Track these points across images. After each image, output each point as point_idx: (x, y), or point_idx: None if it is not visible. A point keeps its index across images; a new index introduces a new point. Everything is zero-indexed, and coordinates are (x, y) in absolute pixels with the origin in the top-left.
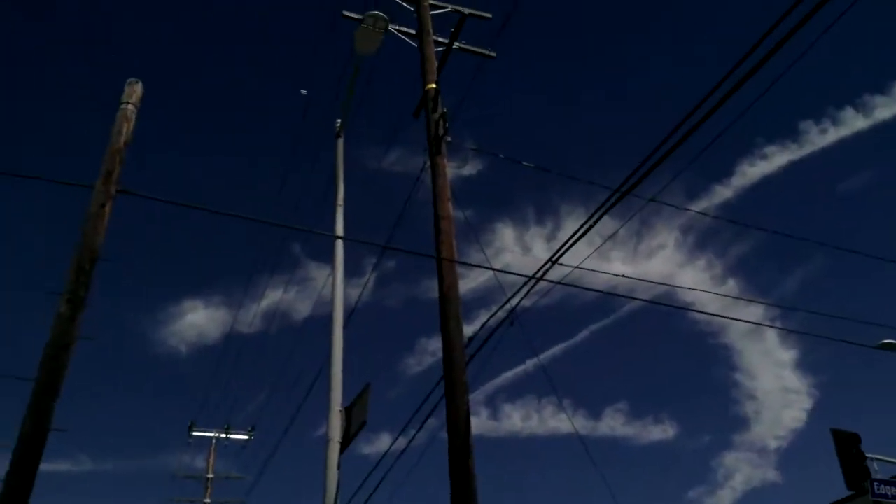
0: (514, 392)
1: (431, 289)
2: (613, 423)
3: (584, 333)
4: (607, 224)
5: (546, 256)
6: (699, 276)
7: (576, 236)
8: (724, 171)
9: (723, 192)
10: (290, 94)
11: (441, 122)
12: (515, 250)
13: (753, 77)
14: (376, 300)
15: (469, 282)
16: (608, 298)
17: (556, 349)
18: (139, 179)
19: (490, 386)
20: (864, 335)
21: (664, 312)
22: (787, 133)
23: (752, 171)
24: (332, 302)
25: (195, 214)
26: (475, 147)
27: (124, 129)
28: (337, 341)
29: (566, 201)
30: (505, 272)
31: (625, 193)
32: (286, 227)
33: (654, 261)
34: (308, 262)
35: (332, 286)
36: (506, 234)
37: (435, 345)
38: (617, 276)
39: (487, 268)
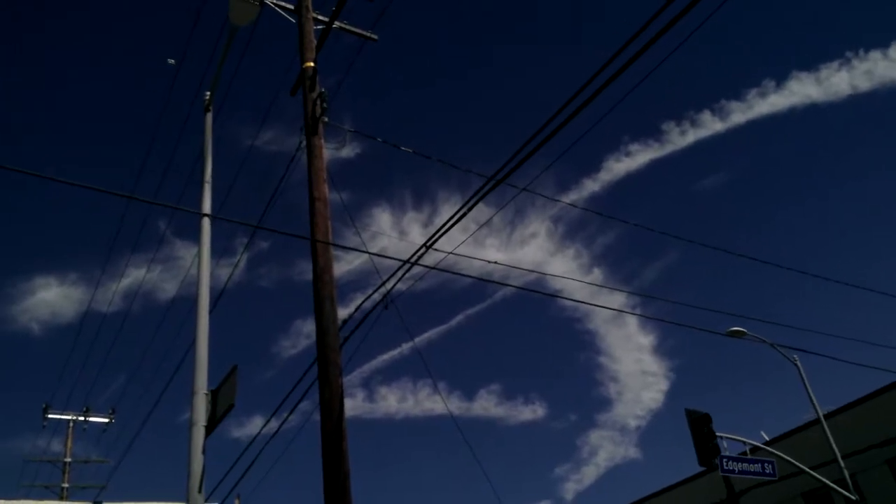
0: (391, 374)
1: (306, 271)
2: (487, 405)
3: (459, 318)
4: (483, 211)
5: (421, 241)
6: (568, 265)
7: (450, 222)
8: (593, 166)
9: (591, 186)
10: (160, 63)
11: (319, 102)
12: (392, 235)
13: (621, 76)
14: (249, 280)
15: (345, 264)
16: (483, 284)
17: (431, 333)
18: None
19: (366, 368)
20: (714, 322)
21: (535, 299)
22: (651, 132)
23: (618, 166)
24: (197, 282)
25: (49, 184)
26: (353, 129)
27: None
28: (202, 322)
29: (443, 188)
30: (380, 255)
31: (498, 182)
32: (149, 203)
33: (526, 248)
34: (174, 240)
35: (199, 265)
36: (383, 218)
37: (309, 327)
38: (490, 262)
39: (363, 251)
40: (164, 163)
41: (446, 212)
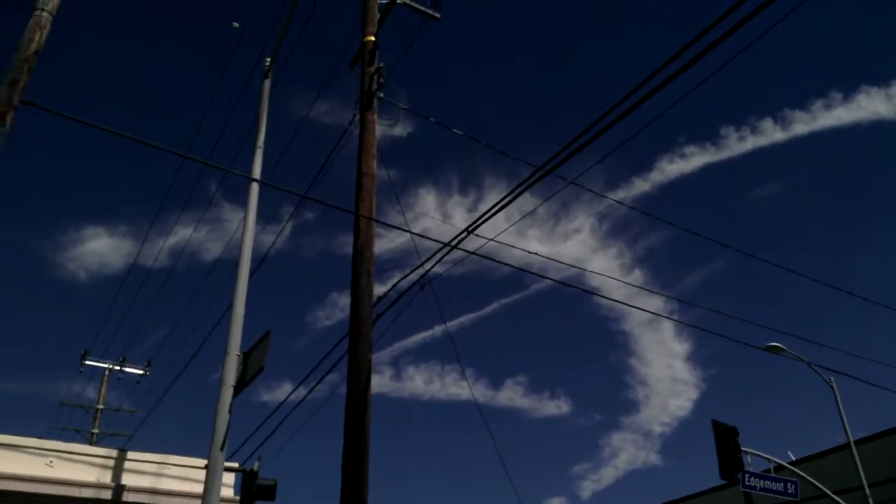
0: (420, 355)
1: (347, 244)
2: (512, 395)
3: (494, 306)
4: (528, 201)
5: (463, 225)
6: (609, 263)
7: (494, 209)
8: (645, 166)
9: (641, 186)
10: (223, 27)
11: (376, 77)
12: (435, 217)
13: (680, 77)
14: (293, 249)
15: (386, 242)
16: (521, 275)
17: (465, 318)
18: (48, 93)
19: (397, 347)
20: (752, 336)
21: (571, 294)
22: (708, 136)
23: (671, 168)
24: (240, 245)
25: (106, 137)
26: (407, 107)
27: (36, 38)
28: (241, 285)
29: (491, 174)
30: (422, 236)
31: (546, 173)
32: (201, 163)
33: (569, 243)
34: (223, 203)
35: (243, 229)
36: (428, 199)
37: (345, 300)
38: (530, 252)
39: (405, 230)
40: (221, 126)
41: (491, 198)
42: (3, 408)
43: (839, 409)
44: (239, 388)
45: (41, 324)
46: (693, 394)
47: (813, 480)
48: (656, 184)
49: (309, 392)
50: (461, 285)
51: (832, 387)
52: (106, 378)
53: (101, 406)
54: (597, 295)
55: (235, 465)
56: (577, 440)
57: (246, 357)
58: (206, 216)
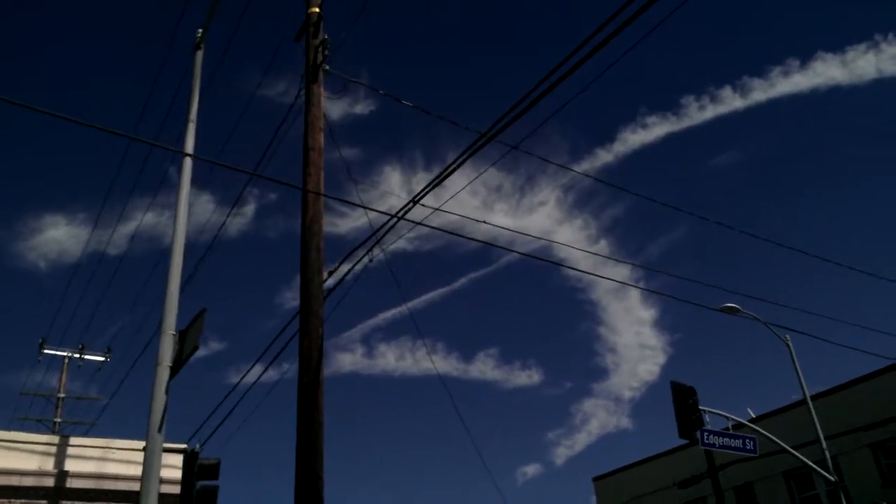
0: (391, 332)
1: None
2: (484, 367)
3: (463, 280)
4: (494, 175)
5: (431, 203)
6: (575, 234)
7: (438, 179)
8: (608, 137)
9: (604, 157)
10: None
11: (321, 50)
12: (400, 195)
13: (621, 36)
14: (257, 230)
15: (350, 221)
16: (489, 248)
17: (434, 293)
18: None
19: (367, 325)
20: (717, 300)
21: (539, 266)
22: (669, 106)
23: (633, 138)
24: (174, 220)
25: (51, 121)
26: (353, 79)
27: None
28: (176, 262)
29: (454, 149)
30: (369, 209)
31: (489, 139)
32: (131, 139)
33: (534, 216)
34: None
35: (176, 204)
36: (393, 176)
37: (336, 285)
38: (479, 221)
39: (354, 203)
40: (166, 104)
41: (456, 173)
42: None
43: (795, 366)
44: (175, 368)
45: (1, 314)
46: (660, 358)
47: (771, 436)
48: (619, 154)
49: (263, 371)
50: (429, 261)
51: (788, 345)
52: (66, 366)
53: (62, 395)
54: (564, 266)
55: (177, 445)
56: (549, 408)
57: (182, 336)
58: (164, 200)
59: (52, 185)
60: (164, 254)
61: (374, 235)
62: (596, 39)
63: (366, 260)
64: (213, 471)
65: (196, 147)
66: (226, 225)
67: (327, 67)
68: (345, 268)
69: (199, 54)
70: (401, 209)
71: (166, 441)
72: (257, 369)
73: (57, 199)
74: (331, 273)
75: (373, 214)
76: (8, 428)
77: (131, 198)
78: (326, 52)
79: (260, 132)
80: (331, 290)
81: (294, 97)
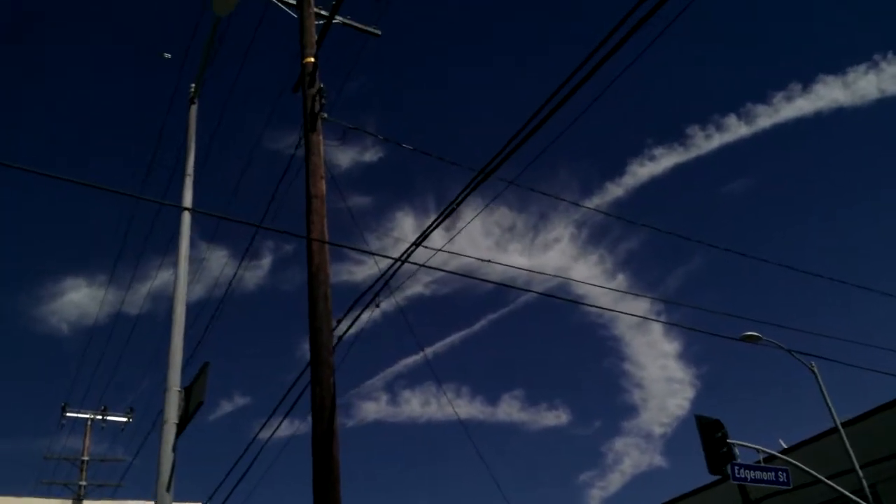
0: (414, 379)
1: (333, 273)
2: (510, 409)
3: (482, 322)
4: (506, 215)
5: (440, 245)
6: (591, 270)
7: (439, 220)
8: (617, 170)
9: (615, 190)
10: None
11: (317, 98)
12: (408, 241)
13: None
14: (273, 285)
15: (367, 269)
16: (505, 289)
17: (454, 337)
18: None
19: (389, 373)
20: (737, 328)
21: (558, 304)
22: (675, 136)
23: (642, 171)
24: (175, 276)
25: (69, 187)
26: (352, 126)
27: None
28: (178, 317)
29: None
30: (373, 254)
31: (487, 175)
32: (131, 196)
33: (549, 253)
34: (199, 243)
35: (177, 259)
36: (406, 222)
37: (345, 332)
38: (483, 260)
39: (356, 248)
40: (171, 161)
41: (467, 213)
42: None
43: (823, 393)
44: (182, 425)
45: (24, 379)
46: (689, 392)
47: (804, 467)
48: (629, 187)
49: (278, 426)
50: (447, 305)
51: (814, 371)
52: (89, 428)
53: (86, 458)
54: (583, 304)
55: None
56: (579, 449)
57: (188, 392)
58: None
59: (70, 248)
60: (187, 310)
61: (380, 280)
62: (587, 67)
63: (373, 306)
64: None
65: (203, 202)
66: (241, 279)
67: (325, 115)
68: (355, 315)
69: (194, 108)
70: (404, 252)
71: (181, 500)
72: (275, 423)
73: (76, 262)
74: (339, 321)
75: (381, 260)
76: (33, 494)
77: (147, 257)
78: (323, 101)
79: (265, 184)
80: (340, 338)
81: (295, 147)
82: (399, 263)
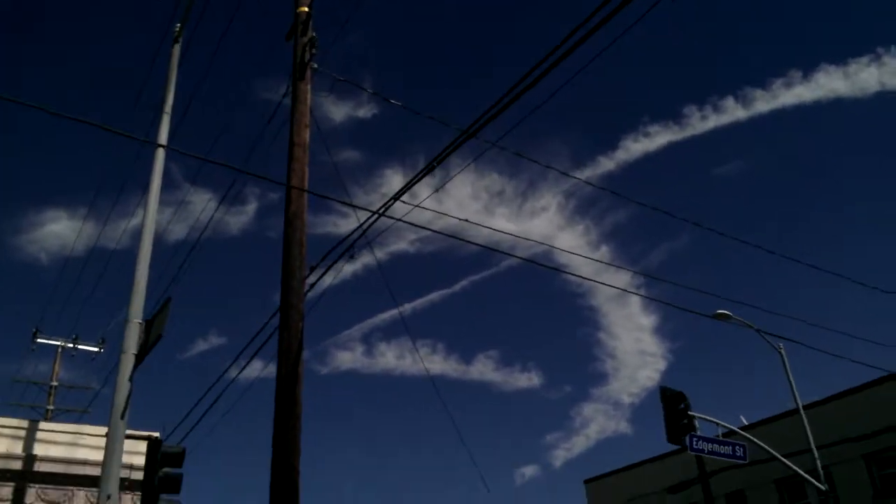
0: (391, 333)
1: (318, 224)
2: (484, 369)
3: (463, 283)
4: (496, 181)
5: (431, 205)
6: (576, 240)
7: (418, 177)
8: (610, 145)
9: (606, 164)
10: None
11: (308, 48)
12: (405, 200)
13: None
14: (258, 230)
15: (353, 223)
16: (490, 252)
17: (435, 295)
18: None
19: (367, 324)
20: (714, 307)
21: (540, 271)
22: (671, 115)
23: (635, 146)
24: (144, 210)
25: (58, 121)
26: (341, 77)
27: None
28: (144, 251)
29: (457, 152)
30: (351, 205)
31: (469, 136)
32: (107, 130)
33: (536, 221)
34: (184, 185)
35: (148, 195)
36: (395, 179)
37: (316, 280)
38: (461, 219)
39: (333, 199)
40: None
41: (458, 176)
42: None
43: (788, 375)
44: (140, 355)
45: (1, 305)
46: (660, 364)
47: (761, 444)
48: (621, 162)
49: (245, 365)
50: (430, 263)
51: (781, 353)
52: (59, 355)
53: (54, 383)
54: (565, 272)
55: (140, 433)
56: (548, 411)
57: (148, 325)
58: (165, 198)
59: (54, 181)
60: (165, 249)
61: (356, 230)
62: (577, 35)
63: (347, 257)
64: (177, 459)
65: (190, 145)
66: (226, 224)
67: (315, 66)
68: (329, 264)
69: (177, 48)
70: (381, 206)
71: (139, 429)
72: (243, 364)
73: (60, 194)
74: (313, 269)
75: (361, 212)
76: (1, 414)
77: (129, 193)
78: (314, 51)
79: (252, 131)
80: (313, 286)
81: (283, 95)
82: (376, 216)
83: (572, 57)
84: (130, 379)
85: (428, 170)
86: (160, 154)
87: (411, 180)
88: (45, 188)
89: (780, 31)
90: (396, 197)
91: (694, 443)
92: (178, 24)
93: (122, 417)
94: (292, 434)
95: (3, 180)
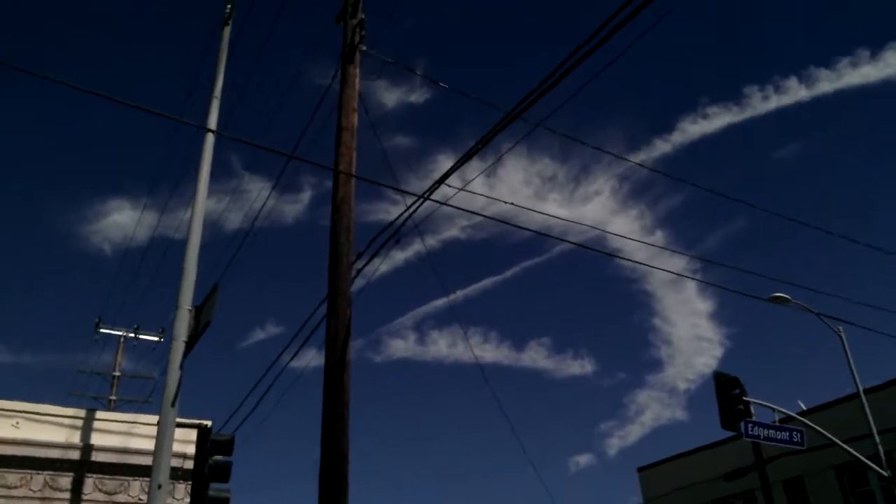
0: (443, 320)
1: (369, 211)
2: (536, 356)
3: (515, 269)
4: (547, 165)
5: (481, 191)
6: (630, 225)
7: (462, 161)
8: (667, 127)
9: (662, 147)
10: None
11: (357, 30)
12: (453, 185)
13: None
14: (312, 219)
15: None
16: (542, 238)
17: (486, 282)
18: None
19: (419, 312)
20: (772, 290)
21: (593, 256)
22: (731, 96)
23: (693, 128)
24: (194, 196)
25: (97, 103)
26: (390, 60)
27: None
28: (194, 237)
29: (509, 137)
30: (397, 189)
31: (514, 117)
32: (154, 113)
33: (589, 206)
34: (241, 173)
35: (197, 181)
36: (446, 165)
37: (369, 268)
38: (507, 203)
39: (381, 184)
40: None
41: (510, 162)
42: (29, 379)
43: (848, 358)
44: (191, 343)
45: (64, 297)
46: (717, 351)
47: (820, 429)
48: (677, 144)
49: (296, 353)
50: (482, 250)
51: (840, 336)
52: (121, 345)
53: (117, 373)
54: (618, 257)
55: (192, 420)
56: (602, 399)
57: (198, 312)
58: (226, 187)
59: (116, 170)
60: (223, 237)
61: (402, 216)
62: (619, 17)
63: (392, 242)
64: (226, 447)
65: (242, 130)
66: (281, 212)
67: (364, 48)
68: (375, 250)
69: (227, 30)
70: (426, 190)
71: (193, 418)
72: (295, 351)
73: (122, 183)
74: (359, 255)
75: (408, 197)
76: (64, 404)
77: (193, 182)
78: (363, 33)
79: (302, 116)
80: (360, 271)
81: (332, 78)
82: (422, 201)
83: (619, 35)
84: (181, 367)
85: (472, 153)
86: (209, 139)
87: (457, 163)
88: (107, 178)
89: (847, 8)
90: (441, 180)
91: (749, 429)
92: (229, 5)
93: (173, 405)
94: (340, 422)
95: (68, 173)
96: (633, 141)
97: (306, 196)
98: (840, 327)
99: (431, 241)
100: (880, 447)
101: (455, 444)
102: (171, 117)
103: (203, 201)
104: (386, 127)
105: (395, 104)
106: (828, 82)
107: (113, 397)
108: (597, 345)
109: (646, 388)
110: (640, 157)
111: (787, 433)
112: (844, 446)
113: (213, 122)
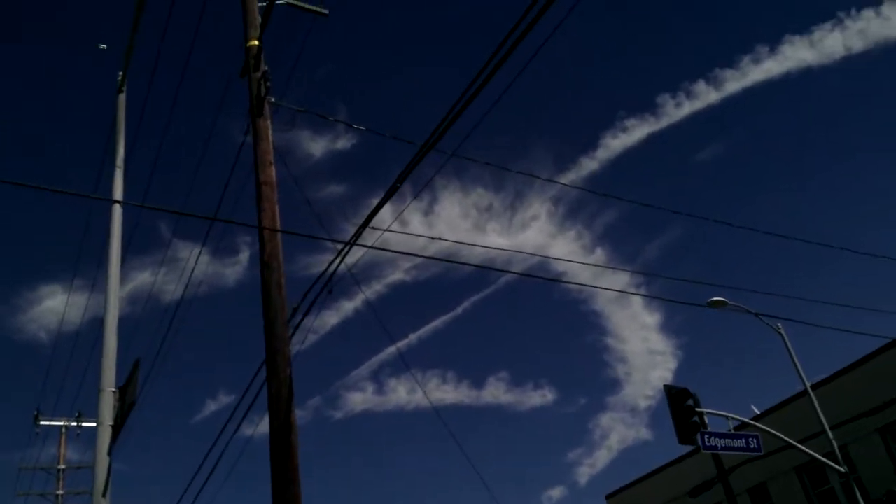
0: (399, 367)
1: (311, 265)
2: (496, 392)
3: (465, 305)
4: (483, 196)
5: (423, 230)
6: (570, 246)
7: (381, 203)
8: (590, 144)
9: (589, 164)
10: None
11: (263, 82)
12: (388, 227)
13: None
14: (253, 278)
15: (350, 258)
16: (485, 271)
17: (438, 322)
18: None
19: (374, 361)
20: (714, 296)
21: (539, 282)
22: (646, 106)
23: (615, 143)
24: (106, 271)
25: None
26: (299, 108)
27: None
28: (111, 316)
29: (441, 174)
30: (325, 238)
31: (426, 151)
32: (61, 193)
33: (528, 232)
34: (176, 243)
35: (107, 255)
36: (384, 209)
37: (308, 323)
38: (434, 238)
39: (307, 235)
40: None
41: (445, 198)
42: None
43: (791, 355)
44: (117, 427)
45: (2, 391)
46: (671, 363)
47: (774, 432)
48: (604, 160)
49: (235, 430)
50: (428, 289)
51: (780, 333)
52: (63, 435)
53: (62, 466)
54: (562, 282)
55: None
56: (566, 427)
57: (122, 392)
58: (157, 258)
59: (42, 255)
60: (164, 310)
61: (333, 263)
62: (516, 34)
63: (325, 292)
64: None
65: (159, 197)
66: (222, 276)
67: (272, 99)
68: (311, 301)
69: (122, 98)
70: (352, 237)
71: None
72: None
73: (48, 268)
74: (295, 309)
75: (340, 247)
76: None
77: (125, 260)
78: (268, 84)
79: (220, 175)
80: (297, 328)
81: (244, 133)
82: (349, 247)
83: (515, 56)
84: (109, 453)
85: (391, 193)
86: (117, 210)
87: (377, 206)
88: (33, 265)
89: (741, 7)
90: (364, 225)
91: (706, 440)
92: (121, 73)
93: (104, 496)
94: (291, 486)
95: None
96: (561, 160)
97: (244, 256)
98: (779, 324)
99: (378, 287)
100: (834, 443)
101: (424, 491)
102: (76, 193)
103: (117, 275)
104: (316, 177)
105: (322, 153)
106: (734, 81)
107: (60, 492)
108: (554, 372)
109: (607, 410)
110: (570, 176)
111: (744, 440)
112: (798, 445)
113: (118, 192)
